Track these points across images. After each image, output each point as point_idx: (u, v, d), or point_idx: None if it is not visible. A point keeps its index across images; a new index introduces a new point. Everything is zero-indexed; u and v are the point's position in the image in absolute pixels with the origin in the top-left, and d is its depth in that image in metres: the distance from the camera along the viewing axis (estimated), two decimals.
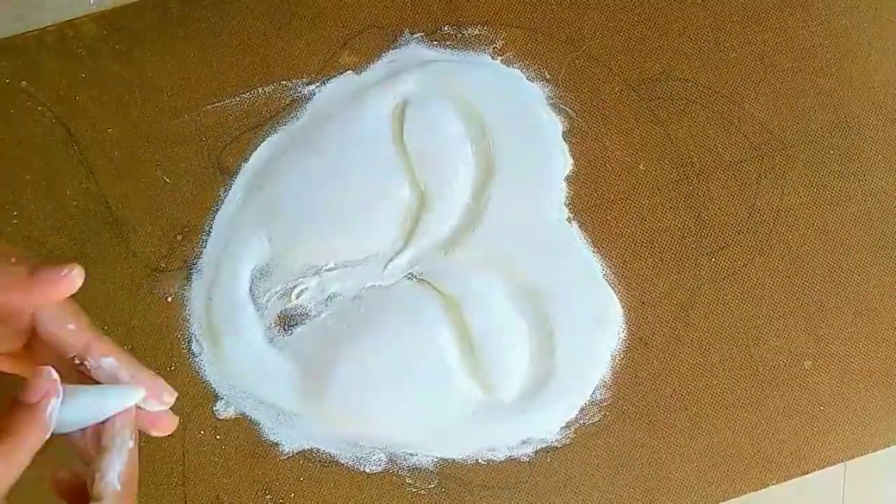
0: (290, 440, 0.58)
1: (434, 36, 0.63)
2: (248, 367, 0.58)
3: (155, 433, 0.44)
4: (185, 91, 0.61)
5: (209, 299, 0.59)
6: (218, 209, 0.60)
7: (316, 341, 0.56)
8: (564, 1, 0.63)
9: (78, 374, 0.42)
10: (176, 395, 0.43)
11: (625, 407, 0.59)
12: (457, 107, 0.61)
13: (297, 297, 0.59)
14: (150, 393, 0.43)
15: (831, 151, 0.62)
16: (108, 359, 0.42)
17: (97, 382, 0.41)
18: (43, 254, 0.60)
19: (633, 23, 0.63)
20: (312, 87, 0.62)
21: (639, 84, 0.62)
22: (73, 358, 0.42)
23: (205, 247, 0.60)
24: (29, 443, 0.38)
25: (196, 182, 0.61)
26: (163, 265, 0.60)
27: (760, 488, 0.59)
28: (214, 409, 0.58)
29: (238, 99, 0.62)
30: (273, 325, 0.59)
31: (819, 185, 0.62)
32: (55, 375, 0.39)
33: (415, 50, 0.63)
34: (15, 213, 0.60)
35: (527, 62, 0.63)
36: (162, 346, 0.59)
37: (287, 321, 0.59)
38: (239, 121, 0.62)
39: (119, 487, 0.40)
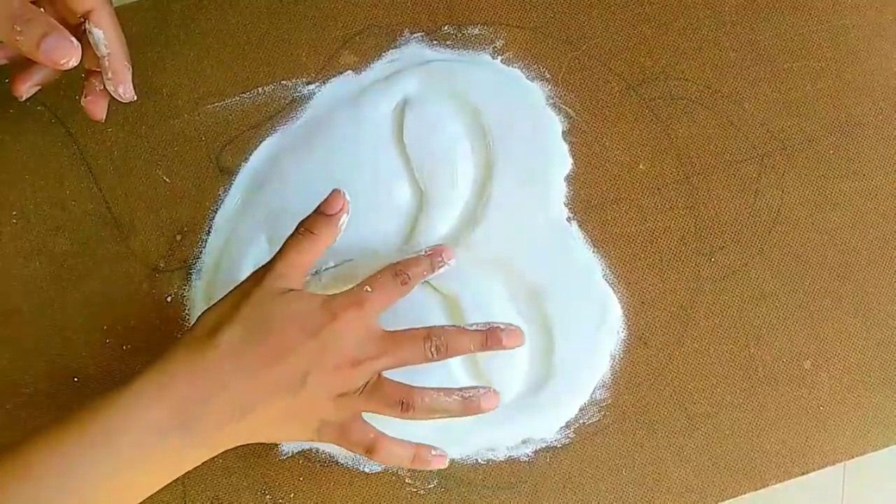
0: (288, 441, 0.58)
1: (434, 35, 0.63)
2: None
3: (83, 103, 0.55)
4: (184, 91, 0.61)
5: (209, 299, 0.59)
6: (218, 209, 0.61)
7: None
8: (565, 1, 0.63)
9: (83, 37, 0.52)
10: (133, 97, 0.55)
11: (624, 407, 0.59)
12: (457, 106, 0.61)
13: None
14: (115, 78, 0.53)
15: (832, 151, 0.62)
16: (98, 31, 0.52)
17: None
18: (43, 255, 0.60)
19: (633, 22, 0.63)
20: (312, 86, 0.62)
21: (639, 84, 0.62)
22: (79, 24, 0.53)
23: (205, 247, 0.60)
24: (327, 241, 0.52)
25: (196, 182, 0.61)
26: (162, 265, 0.60)
27: (760, 488, 0.58)
28: None
29: (238, 99, 0.62)
30: None
31: (819, 185, 0.62)
32: (348, 197, 0.52)
33: (415, 49, 0.63)
34: (14, 213, 0.60)
35: (527, 62, 0.63)
36: (162, 346, 0.59)
37: None
38: (239, 120, 0.62)
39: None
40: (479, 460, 0.58)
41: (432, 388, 0.51)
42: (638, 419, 0.59)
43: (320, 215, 0.52)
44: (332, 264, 0.59)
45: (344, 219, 0.52)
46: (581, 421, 0.59)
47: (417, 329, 0.52)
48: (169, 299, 0.60)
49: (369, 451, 0.51)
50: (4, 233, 0.60)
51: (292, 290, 0.51)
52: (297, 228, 0.52)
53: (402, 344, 0.51)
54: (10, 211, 0.60)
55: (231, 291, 0.51)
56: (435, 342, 0.51)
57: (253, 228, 0.60)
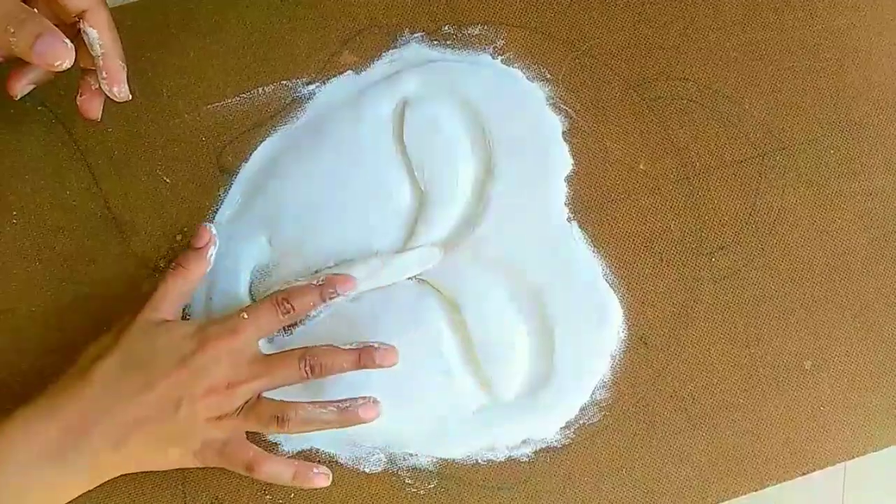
0: (290, 440, 0.58)
1: (434, 35, 0.63)
2: None
3: (78, 102, 0.54)
4: (185, 91, 0.61)
5: (209, 299, 0.59)
6: (218, 209, 0.60)
7: (316, 341, 0.56)
8: (565, 1, 0.63)
9: (78, 38, 0.52)
10: (127, 96, 0.54)
11: (625, 407, 0.59)
12: (457, 107, 0.61)
13: None
14: (110, 78, 0.52)
15: (832, 151, 0.62)
16: (93, 31, 0.52)
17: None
18: (43, 255, 0.60)
19: (633, 22, 0.63)
20: (313, 86, 0.62)
21: (639, 84, 0.62)
22: (74, 23, 0.52)
23: None
24: (197, 273, 0.56)
25: (196, 182, 0.61)
26: (163, 265, 0.60)
27: (760, 488, 0.59)
28: None
29: (238, 99, 0.62)
30: None
31: (819, 185, 0.62)
32: (214, 231, 0.56)
33: (415, 49, 0.63)
34: (14, 213, 0.60)
35: (527, 62, 0.63)
36: None
37: None
38: (239, 121, 0.61)
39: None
40: (480, 461, 0.58)
41: (308, 402, 0.53)
42: (638, 419, 0.59)
43: (190, 250, 0.56)
44: (332, 264, 0.59)
45: (212, 251, 0.56)
46: (581, 421, 0.59)
47: (293, 350, 0.53)
48: None
49: (248, 468, 0.53)
50: (5, 233, 0.60)
51: (167, 321, 0.53)
52: (170, 264, 0.56)
53: (277, 365, 0.53)
54: (11, 211, 0.60)
55: (114, 325, 0.55)
56: (309, 361, 0.53)
57: (253, 228, 0.60)
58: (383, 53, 0.63)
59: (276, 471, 0.53)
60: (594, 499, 0.58)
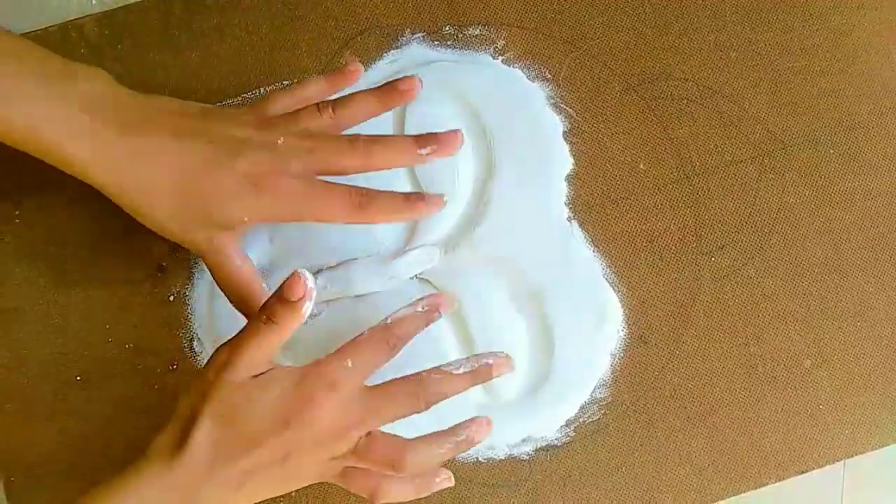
0: None
1: (435, 36, 0.63)
2: None
3: None
4: (186, 91, 0.61)
5: (211, 299, 0.59)
6: None
7: (316, 341, 0.56)
8: (565, 1, 0.63)
9: None
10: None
11: (624, 406, 0.59)
12: (457, 107, 0.61)
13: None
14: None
15: (832, 151, 0.62)
16: None
17: None
18: (45, 255, 0.60)
19: (633, 22, 0.63)
20: None
21: (639, 84, 0.62)
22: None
23: None
24: (288, 329, 0.48)
25: None
26: (164, 265, 0.60)
27: (759, 487, 0.59)
28: None
29: (239, 99, 0.62)
30: None
31: (819, 185, 0.62)
32: (311, 283, 0.47)
33: (416, 50, 0.63)
34: (16, 213, 0.60)
35: (527, 62, 0.63)
36: (164, 346, 0.59)
37: None
38: None
39: None
40: (480, 458, 0.58)
41: (424, 441, 0.50)
42: (638, 418, 0.59)
43: (282, 303, 0.47)
44: (334, 263, 0.59)
45: (307, 306, 0.47)
46: (581, 419, 0.59)
47: (401, 381, 0.50)
48: (171, 298, 0.60)
49: (372, 496, 0.51)
50: (6, 232, 0.60)
51: (259, 375, 0.49)
52: (259, 314, 0.48)
53: (386, 404, 0.50)
54: (12, 211, 0.60)
55: (196, 380, 0.49)
56: (424, 398, 0.50)
57: (255, 228, 0.60)
58: (384, 54, 0.63)
59: (399, 492, 0.51)
60: (594, 497, 0.58)
